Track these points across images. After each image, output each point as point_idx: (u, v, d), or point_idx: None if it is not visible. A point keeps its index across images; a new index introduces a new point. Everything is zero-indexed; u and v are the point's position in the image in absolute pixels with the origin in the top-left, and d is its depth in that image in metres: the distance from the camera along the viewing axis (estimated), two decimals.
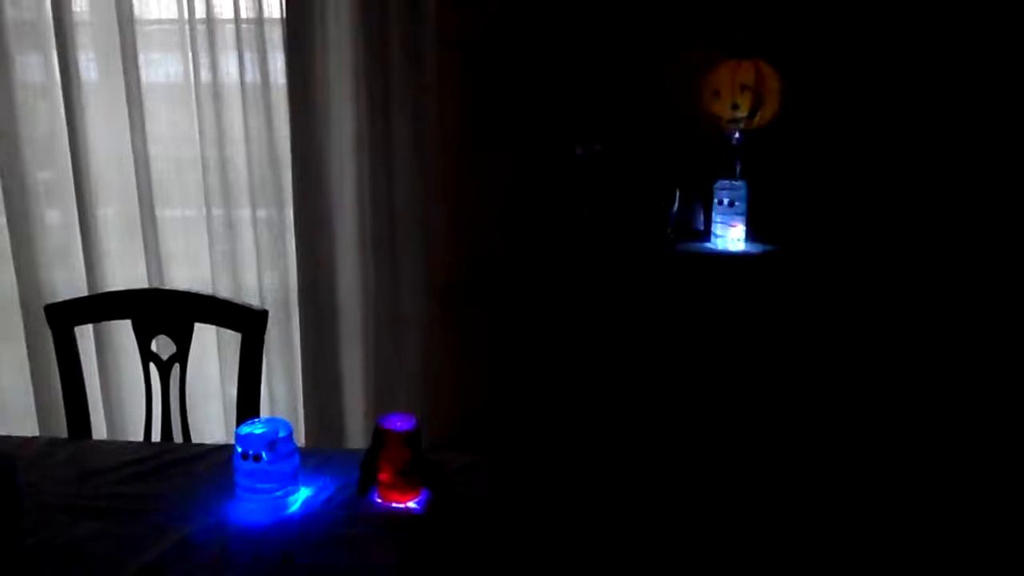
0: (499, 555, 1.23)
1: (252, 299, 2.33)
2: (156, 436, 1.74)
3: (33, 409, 2.42)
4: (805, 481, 2.10)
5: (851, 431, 2.13)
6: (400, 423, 1.33)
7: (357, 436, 2.44)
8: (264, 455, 1.27)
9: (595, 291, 2.18)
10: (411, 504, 1.33)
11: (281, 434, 1.30)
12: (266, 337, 1.72)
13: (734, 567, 1.98)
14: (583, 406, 2.20)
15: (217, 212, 2.31)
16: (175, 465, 1.48)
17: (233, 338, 2.30)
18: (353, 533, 1.25)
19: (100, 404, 2.38)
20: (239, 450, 1.29)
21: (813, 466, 2.11)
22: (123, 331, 2.31)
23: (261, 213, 2.32)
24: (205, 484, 1.40)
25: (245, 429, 1.30)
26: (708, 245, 2.21)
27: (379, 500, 1.34)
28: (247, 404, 1.68)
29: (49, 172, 2.34)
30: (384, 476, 1.33)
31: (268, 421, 1.33)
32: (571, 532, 1.11)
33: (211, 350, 2.38)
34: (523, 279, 2.28)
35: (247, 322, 1.69)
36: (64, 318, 1.70)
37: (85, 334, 2.34)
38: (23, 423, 2.44)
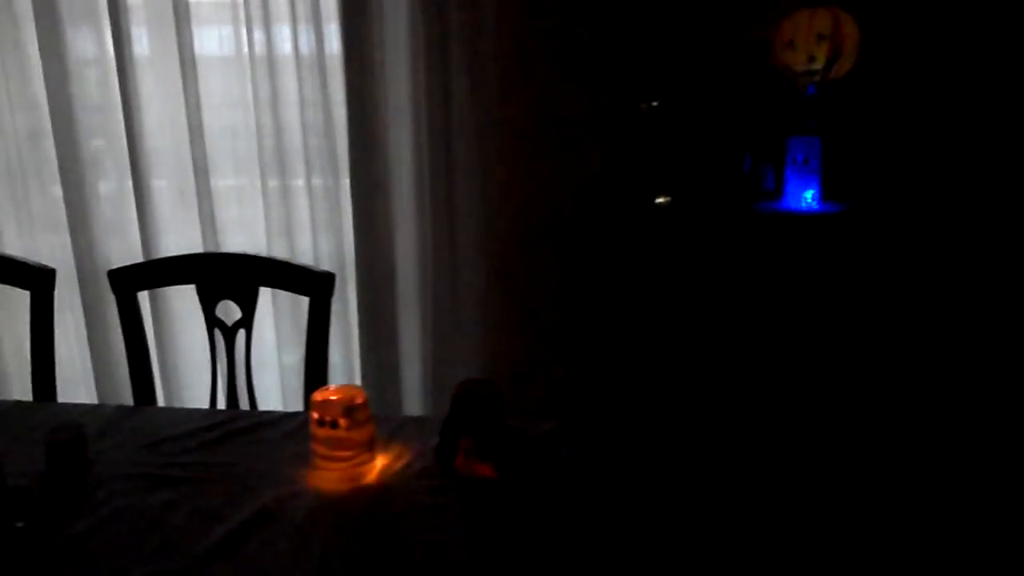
0: (582, 525, 1.17)
1: None
2: (221, 404, 1.70)
3: (92, 378, 2.41)
4: (881, 446, 2.01)
5: (926, 397, 2.03)
6: (480, 389, 1.28)
7: (415, 402, 2.39)
8: (341, 421, 1.22)
9: (662, 253, 2.10)
10: (492, 473, 1.27)
11: (358, 400, 1.24)
12: None
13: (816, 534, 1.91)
14: (650, 371, 2.13)
15: (272, 182, 2.27)
16: (246, 432, 1.44)
17: (289, 304, 2.27)
18: (434, 502, 1.20)
19: (157, 373, 2.36)
20: (315, 416, 1.24)
21: (888, 431, 2.02)
22: (180, 298, 2.28)
23: (316, 181, 2.27)
24: (279, 451, 1.36)
25: (320, 395, 1.26)
26: (780, 204, 2.12)
27: (459, 468, 1.28)
28: (315, 370, 1.64)
29: (103, 141, 2.31)
30: (464, 443, 1.27)
31: (343, 387, 1.28)
32: (651, 504, 1.06)
33: (266, 317, 2.34)
34: (586, 243, 2.21)
35: (314, 285, 1.65)
36: (128, 283, 1.66)
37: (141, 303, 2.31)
38: (81, 393, 2.43)
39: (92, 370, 2.40)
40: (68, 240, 2.32)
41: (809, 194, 2.07)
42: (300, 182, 2.31)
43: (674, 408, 2.11)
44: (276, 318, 2.34)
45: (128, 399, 2.13)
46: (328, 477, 1.25)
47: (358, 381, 2.39)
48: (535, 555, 1.08)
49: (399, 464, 1.30)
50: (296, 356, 2.36)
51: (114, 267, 1.69)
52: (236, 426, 1.46)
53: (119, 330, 1.69)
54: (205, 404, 1.74)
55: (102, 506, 1.21)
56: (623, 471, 1.15)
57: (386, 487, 1.24)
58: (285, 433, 1.43)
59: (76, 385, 2.46)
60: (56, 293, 2.18)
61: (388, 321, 2.32)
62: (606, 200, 2.20)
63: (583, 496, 1.23)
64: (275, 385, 2.44)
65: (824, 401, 2.04)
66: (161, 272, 1.75)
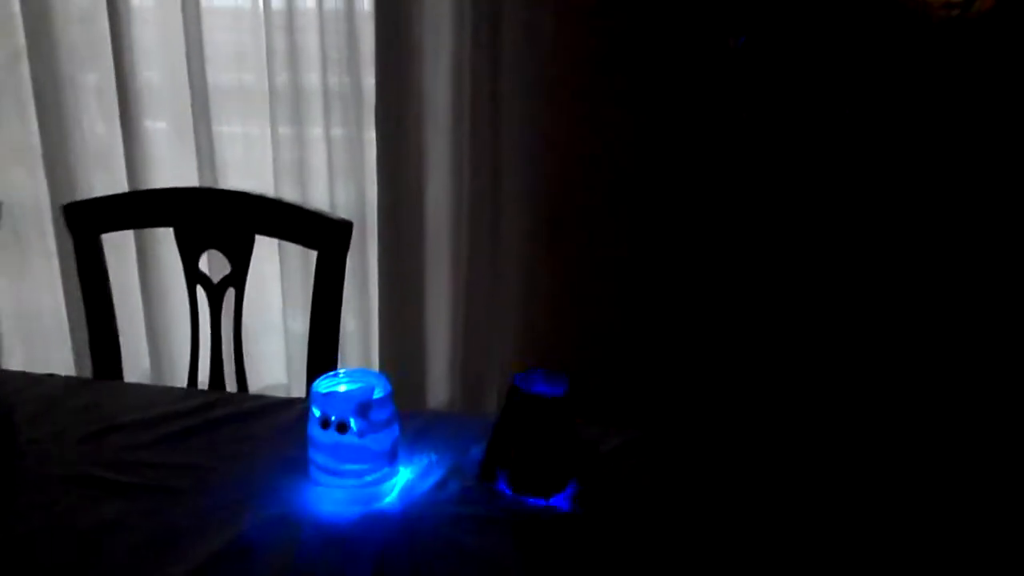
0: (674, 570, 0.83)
1: None
2: (204, 380, 1.36)
3: (68, 337, 2.06)
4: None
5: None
6: (547, 385, 0.92)
7: (440, 387, 2.05)
8: (352, 423, 0.87)
9: (750, 212, 1.73)
10: (561, 502, 0.92)
11: (377, 394, 0.89)
12: None
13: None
14: (728, 353, 1.77)
15: (284, 129, 1.90)
16: (226, 424, 1.09)
17: (299, 258, 1.90)
18: (477, 543, 0.85)
19: (144, 338, 2.02)
20: (316, 414, 0.89)
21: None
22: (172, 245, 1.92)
23: (336, 131, 1.90)
24: (268, 454, 1.02)
25: (325, 385, 0.91)
26: None
27: (510, 492, 0.93)
28: (322, 345, 1.28)
29: (91, 76, 1.95)
30: (520, 458, 0.92)
31: (357, 375, 0.93)
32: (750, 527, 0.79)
33: (271, 272, 1.98)
34: (655, 202, 1.83)
35: (325, 235, 1.28)
36: (87, 221, 1.31)
37: (126, 248, 1.95)
38: (54, 358, 2.10)
39: (68, 327, 2.05)
40: (42, 174, 1.96)
41: None
42: (318, 130, 1.94)
43: (768, 408, 1.75)
44: (283, 274, 1.98)
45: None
46: (332, 498, 0.90)
47: (375, 356, 2.03)
48: None
49: (429, 483, 0.95)
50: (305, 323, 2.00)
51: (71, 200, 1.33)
52: (215, 414, 1.12)
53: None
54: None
55: (21, 521, 0.88)
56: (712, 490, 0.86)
57: (410, 517, 0.90)
58: (279, 428, 1.09)
59: (49, 346, 2.11)
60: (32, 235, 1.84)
61: (414, 288, 1.95)
62: (692, 155, 1.82)
63: (675, 532, 0.87)
64: (278, 354, 2.09)
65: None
66: (131, 209, 1.38)
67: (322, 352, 1.28)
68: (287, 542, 0.83)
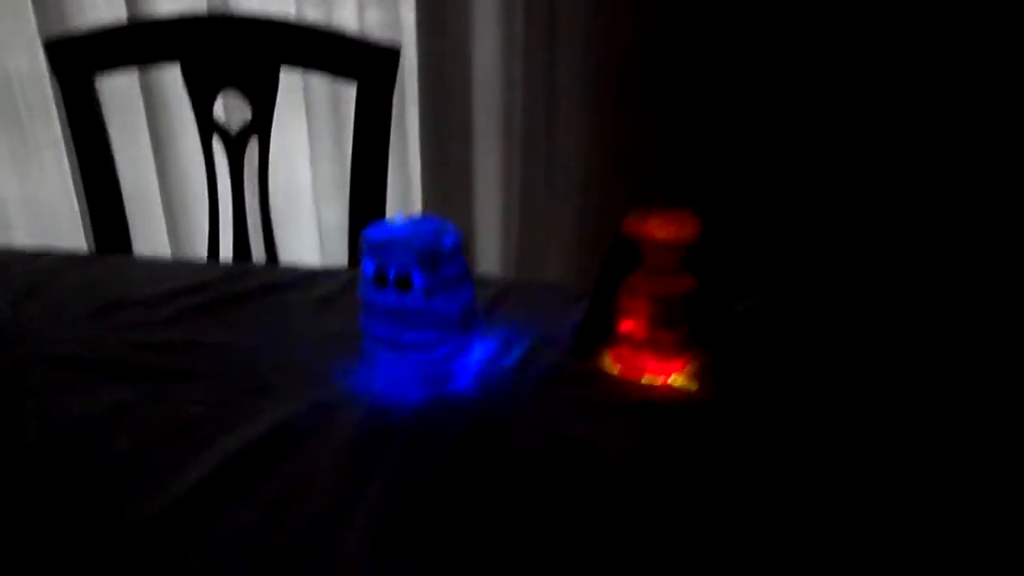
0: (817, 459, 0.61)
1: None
2: (227, 256, 1.15)
3: (77, 211, 1.85)
4: None
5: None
6: (666, 226, 0.69)
7: (491, 258, 1.80)
8: (415, 279, 0.66)
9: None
10: (678, 379, 0.71)
11: (447, 243, 0.67)
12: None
13: None
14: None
15: None
16: (255, 298, 0.89)
17: (327, 101, 1.64)
18: (571, 428, 0.64)
19: (159, 204, 1.78)
20: (370, 270, 0.67)
21: None
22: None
23: None
24: (305, 331, 0.82)
25: (381, 232, 0.69)
26: None
27: (616, 370, 0.72)
28: (366, 199, 1.06)
29: None
30: (631, 326, 0.71)
31: (417, 222, 0.71)
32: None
33: (295, 119, 1.72)
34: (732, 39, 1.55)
35: (368, 65, 1.05)
36: (77, 60, 1.08)
37: (131, 95, 1.71)
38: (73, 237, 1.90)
39: (81, 222, 1.85)
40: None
41: None
42: None
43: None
44: (310, 122, 1.72)
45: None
46: (390, 378, 0.70)
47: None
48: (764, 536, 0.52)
49: (510, 360, 0.75)
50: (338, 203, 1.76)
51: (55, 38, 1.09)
52: (241, 287, 0.92)
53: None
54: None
55: (10, 411, 0.69)
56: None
57: (490, 401, 0.69)
58: (321, 300, 0.89)
59: (71, 230, 1.90)
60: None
61: (460, 144, 1.68)
62: None
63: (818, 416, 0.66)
64: (310, 229, 1.84)
65: None
66: (128, 43, 1.13)
67: (367, 204, 1.06)
68: (334, 434, 0.64)
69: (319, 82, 1.66)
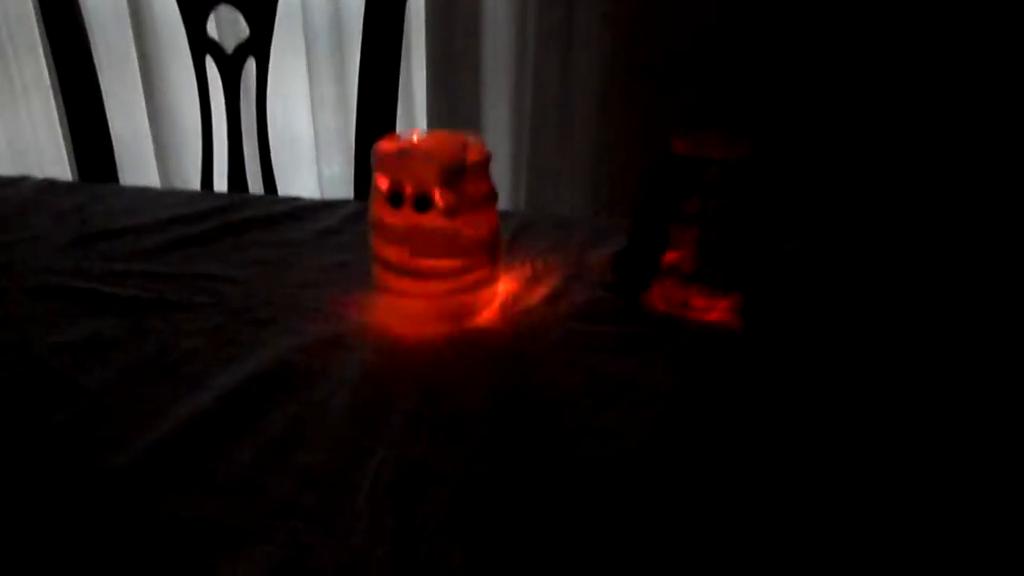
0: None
1: None
2: (220, 184, 1.07)
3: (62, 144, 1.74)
4: None
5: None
6: (723, 142, 0.61)
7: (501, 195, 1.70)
8: (433, 199, 0.57)
9: None
10: (726, 316, 0.64)
11: (473, 157, 0.59)
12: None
13: None
14: None
15: None
16: (252, 228, 0.81)
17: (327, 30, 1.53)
18: (612, 366, 0.57)
19: (150, 144, 1.68)
20: (383, 186, 0.59)
21: None
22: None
23: None
24: (308, 262, 0.73)
25: (394, 143, 0.61)
26: None
27: (655, 304, 0.65)
28: (374, 116, 0.97)
29: None
30: (678, 257, 0.63)
31: (440, 135, 0.62)
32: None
33: (294, 46, 1.60)
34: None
35: None
36: None
37: (119, 23, 1.59)
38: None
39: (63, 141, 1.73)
40: None
41: None
42: None
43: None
44: (309, 50, 1.60)
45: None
46: (406, 311, 0.62)
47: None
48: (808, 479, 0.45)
49: (540, 293, 0.67)
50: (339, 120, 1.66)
51: None
52: (237, 216, 0.83)
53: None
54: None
55: None
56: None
57: (521, 336, 0.61)
58: (325, 231, 0.80)
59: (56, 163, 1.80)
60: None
61: (468, 92, 1.59)
62: None
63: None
64: (308, 162, 1.74)
65: None
66: None
67: (375, 121, 0.97)
68: (343, 372, 0.56)
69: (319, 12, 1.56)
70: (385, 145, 0.60)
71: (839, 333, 0.62)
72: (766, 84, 1.42)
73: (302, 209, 0.86)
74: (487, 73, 1.55)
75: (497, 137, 1.60)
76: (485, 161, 0.60)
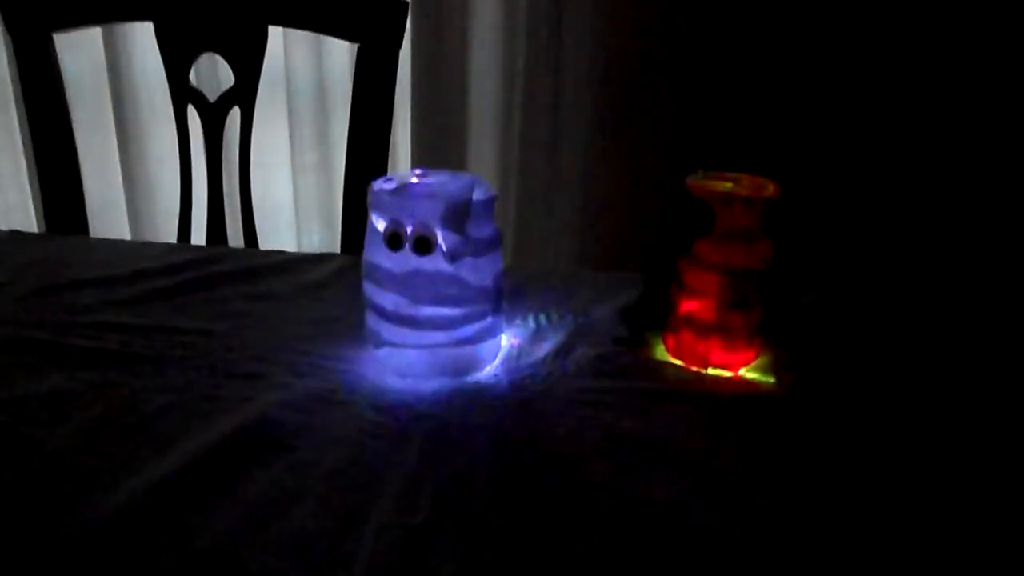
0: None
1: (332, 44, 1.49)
2: (199, 239, 1.01)
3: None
4: None
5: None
6: (742, 183, 0.58)
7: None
8: (438, 238, 0.53)
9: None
10: (749, 372, 0.59)
11: (479, 198, 0.55)
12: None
13: None
14: None
15: None
16: (231, 281, 0.75)
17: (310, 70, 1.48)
18: (627, 423, 0.51)
19: (119, 188, 1.59)
20: (381, 226, 0.54)
21: None
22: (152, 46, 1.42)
23: None
24: (294, 315, 0.68)
25: (391, 183, 0.56)
26: None
27: (675, 360, 0.60)
28: (366, 160, 0.93)
29: None
30: (695, 306, 0.58)
31: (443, 175, 0.58)
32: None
33: (275, 115, 1.54)
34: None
35: (369, 21, 0.92)
36: (33, 14, 0.94)
37: (94, 60, 1.50)
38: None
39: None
40: None
41: None
42: None
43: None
44: (291, 100, 1.53)
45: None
46: (404, 363, 0.57)
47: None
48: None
49: (545, 348, 0.62)
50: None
51: None
52: (215, 270, 0.78)
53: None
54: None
55: None
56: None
57: (528, 392, 0.56)
58: (311, 284, 0.75)
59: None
60: None
61: (454, 157, 1.56)
62: None
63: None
64: (288, 222, 1.66)
65: None
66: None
67: (365, 166, 0.92)
68: (333, 431, 0.50)
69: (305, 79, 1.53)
70: (384, 184, 0.55)
71: (883, 390, 0.57)
72: (763, 131, 1.41)
73: (287, 262, 0.81)
74: (472, 138, 1.53)
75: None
76: (491, 201, 0.56)
